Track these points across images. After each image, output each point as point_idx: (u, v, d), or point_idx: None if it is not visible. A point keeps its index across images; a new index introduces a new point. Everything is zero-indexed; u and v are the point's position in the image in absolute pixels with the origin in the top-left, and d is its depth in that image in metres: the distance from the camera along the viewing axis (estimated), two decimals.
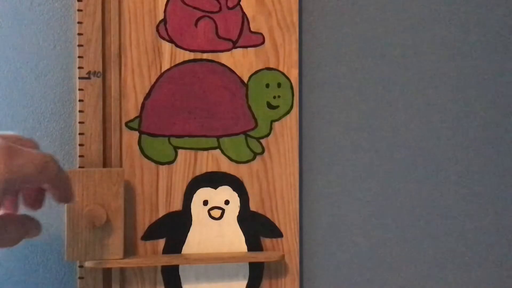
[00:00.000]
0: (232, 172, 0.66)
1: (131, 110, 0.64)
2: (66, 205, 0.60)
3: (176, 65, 0.65)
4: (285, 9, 0.67)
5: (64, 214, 0.60)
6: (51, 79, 0.63)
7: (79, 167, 0.62)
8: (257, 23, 0.67)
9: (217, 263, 0.65)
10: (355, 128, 0.70)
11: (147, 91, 0.64)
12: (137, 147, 0.64)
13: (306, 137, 0.69)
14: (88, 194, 0.60)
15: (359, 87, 0.70)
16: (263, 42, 0.67)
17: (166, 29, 0.65)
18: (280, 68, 0.67)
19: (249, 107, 0.67)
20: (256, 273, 0.67)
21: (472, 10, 0.73)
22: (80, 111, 0.62)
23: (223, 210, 0.66)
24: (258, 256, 0.66)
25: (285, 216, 0.67)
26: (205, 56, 0.65)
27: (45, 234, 0.62)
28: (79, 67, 0.62)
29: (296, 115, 0.68)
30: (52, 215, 0.62)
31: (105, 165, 0.63)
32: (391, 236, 0.71)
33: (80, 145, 0.62)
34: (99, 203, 0.60)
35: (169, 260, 0.64)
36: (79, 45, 0.62)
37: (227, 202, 0.66)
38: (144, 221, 0.64)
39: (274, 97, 0.67)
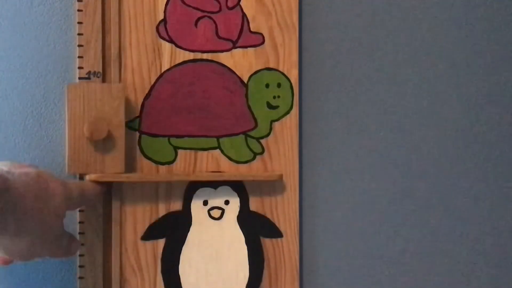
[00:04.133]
0: (232, 172, 0.66)
1: (131, 110, 0.64)
2: (67, 117, 0.61)
3: (176, 65, 0.65)
4: (285, 9, 0.67)
5: (65, 126, 0.62)
6: (51, 79, 0.63)
7: None
8: (257, 23, 0.67)
9: (216, 179, 0.65)
10: (355, 128, 0.70)
11: (147, 91, 0.64)
12: (137, 147, 0.64)
13: (306, 137, 0.69)
14: (89, 108, 0.60)
15: (359, 87, 0.70)
16: (263, 42, 0.67)
17: (166, 29, 0.65)
18: (280, 68, 0.67)
19: (249, 107, 0.67)
20: (256, 273, 0.67)
21: (473, 9, 0.73)
22: None
23: (223, 210, 0.66)
24: (257, 175, 0.66)
25: (285, 216, 0.67)
26: (205, 56, 0.65)
27: None
28: (79, 67, 0.62)
29: (296, 115, 0.68)
30: None
31: None
32: (391, 236, 0.71)
33: None
34: (100, 117, 0.60)
35: (172, 177, 0.64)
36: (79, 45, 0.62)
37: (227, 202, 0.66)
38: (144, 221, 0.64)
39: (274, 97, 0.67)
